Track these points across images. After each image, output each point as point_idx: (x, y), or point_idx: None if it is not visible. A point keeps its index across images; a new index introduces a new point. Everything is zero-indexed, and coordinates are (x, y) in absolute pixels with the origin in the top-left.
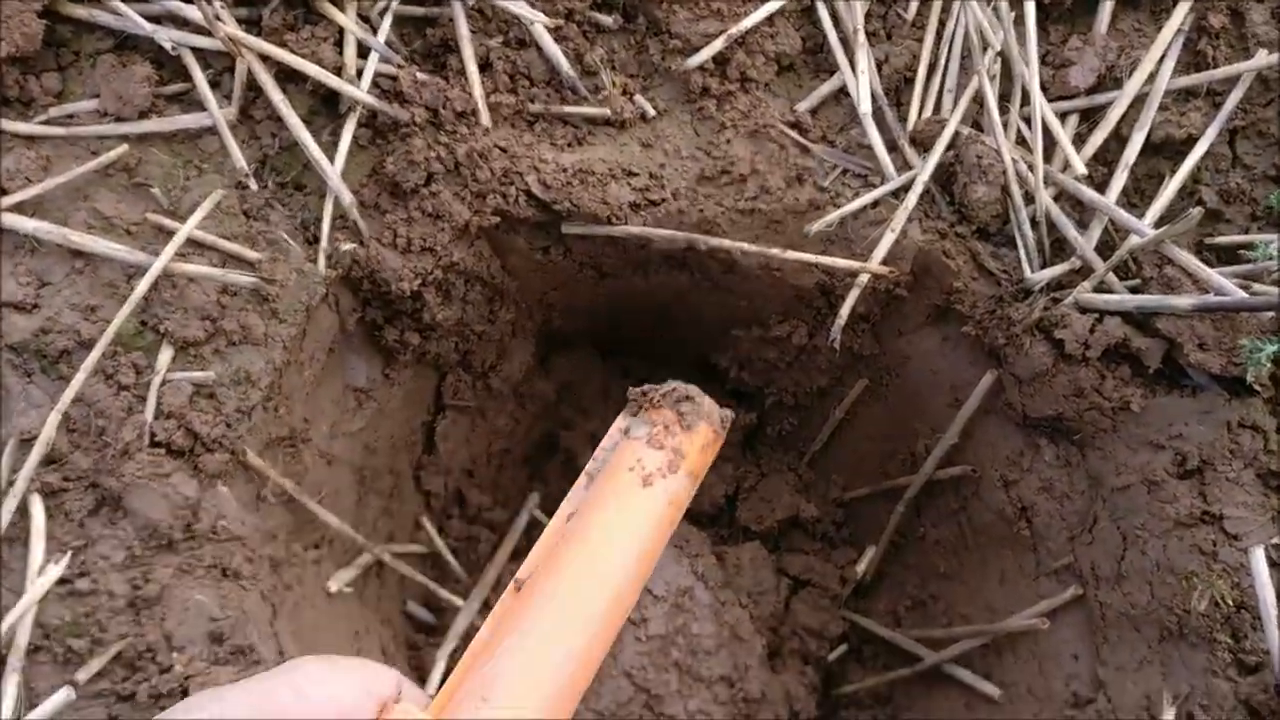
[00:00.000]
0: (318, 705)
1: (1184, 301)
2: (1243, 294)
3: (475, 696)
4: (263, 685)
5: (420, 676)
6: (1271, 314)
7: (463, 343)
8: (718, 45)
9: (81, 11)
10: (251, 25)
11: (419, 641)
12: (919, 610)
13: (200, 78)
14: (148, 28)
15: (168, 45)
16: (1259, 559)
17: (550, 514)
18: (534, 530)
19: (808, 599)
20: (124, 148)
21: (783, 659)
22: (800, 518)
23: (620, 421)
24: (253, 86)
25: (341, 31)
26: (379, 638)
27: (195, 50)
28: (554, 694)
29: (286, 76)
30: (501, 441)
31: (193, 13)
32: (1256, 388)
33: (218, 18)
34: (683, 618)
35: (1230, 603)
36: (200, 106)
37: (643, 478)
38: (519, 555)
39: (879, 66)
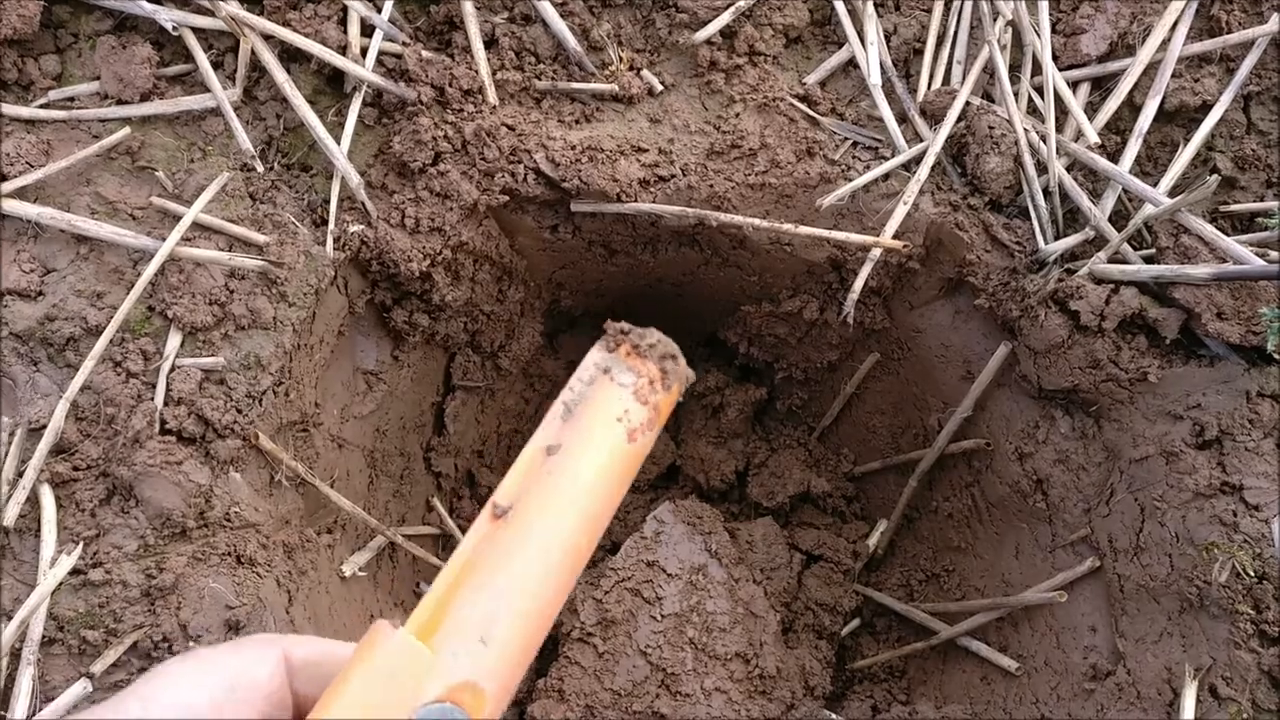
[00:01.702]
0: (165, 707)
1: (1201, 271)
2: (1261, 262)
3: (474, 637)
4: (114, 701)
5: None
6: None
7: (471, 323)
8: (725, 18)
9: None
10: (254, 4)
11: None
12: (933, 583)
13: (202, 58)
14: (148, 8)
15: (169, 25)
16: None
17: None
18: None
19: (820, 574)
20: (126, 130)
21: (797, 634)
22: (811, 493)
23: (597, 356)
24: (256, 67)
25: (345, 9)
26: (392, 621)
27: (196, 30)
28: (540, 638)
29: (290, 56)
30: (511, 421)
31: None
32: (1277, 356)
33: None
34: (697, 596)
35: (1252, 573)
36: (203, 87)
37: (629, 431)
38: None
39: (888, 38)
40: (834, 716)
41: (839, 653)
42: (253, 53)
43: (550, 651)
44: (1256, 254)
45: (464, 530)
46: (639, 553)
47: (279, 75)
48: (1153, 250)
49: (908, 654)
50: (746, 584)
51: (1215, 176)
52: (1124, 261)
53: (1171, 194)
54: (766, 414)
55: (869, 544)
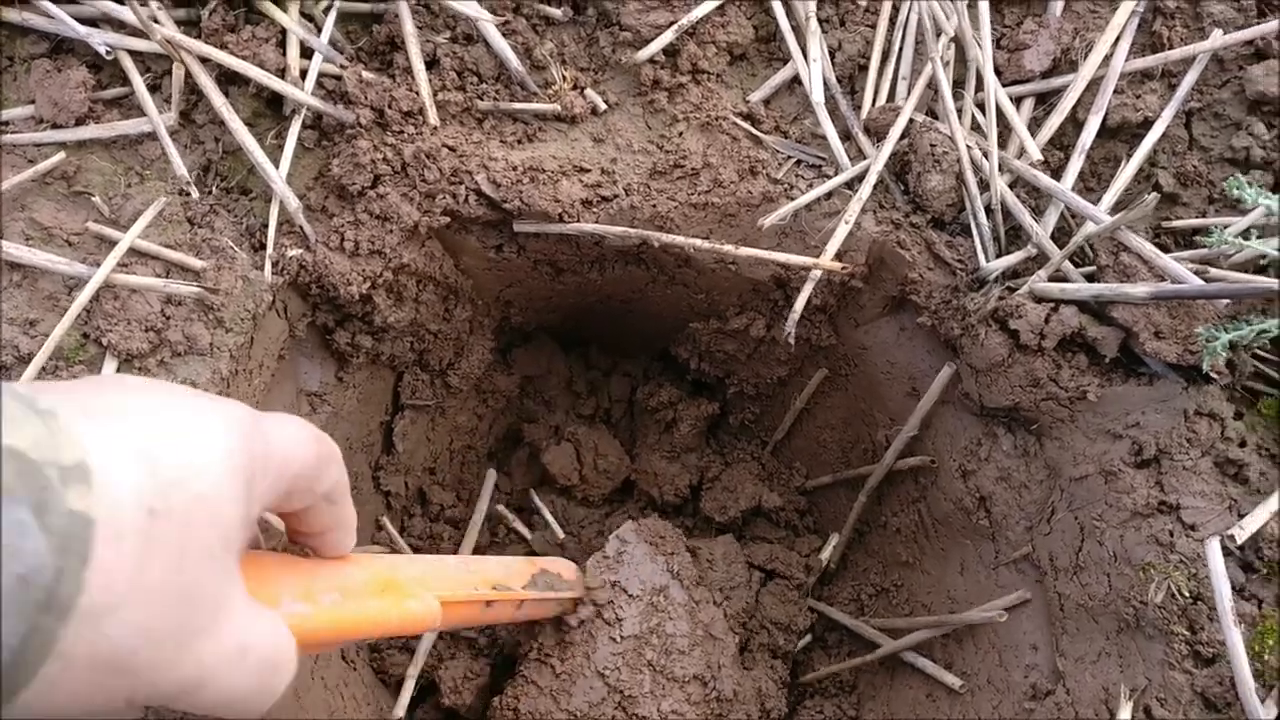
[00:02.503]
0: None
1: (1139, 290)
2: (1199, 281)
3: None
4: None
5: (383, 680)
6: (1227, 301)
7: (418, 342)
8: (668, 36)
9: (13, 14)
10: (190, 26)
11: (380, 645)
12: (882, 598)
13: (139, 82)
14: (81, 30)
15: (102, 49)
16: (1214, 551)
17: (508, 501)
18: (495, 524)
19: (775, 591)
20: (61, 155)
21: (753, 654)
22: (763, 507)
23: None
24: (194, 90)
25: (284, 31)
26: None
27: (133, 53)
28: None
29: (228, 79)
30: (464, 438)
31: (129, 14)
32: (1213, 375)
33: (154, 19)
34: (657, 617)
35: (1187, 594)
36: (140, 111)
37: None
38: (481, 550)
39: (832, 54)
40: None
41: (792, 669)
42: (190, 76)
43: (508, 671)
44: (1196, 272)
45: (415, 548)
46: (601, 572)
47: (216, 99)
48: (1094, 268)
49: (857, 668)
50: (707, 605)
51: (1155, 195)
52: (1065, 280)
53: (1113, 211)
54: (720, 428)
55: (821, 558)
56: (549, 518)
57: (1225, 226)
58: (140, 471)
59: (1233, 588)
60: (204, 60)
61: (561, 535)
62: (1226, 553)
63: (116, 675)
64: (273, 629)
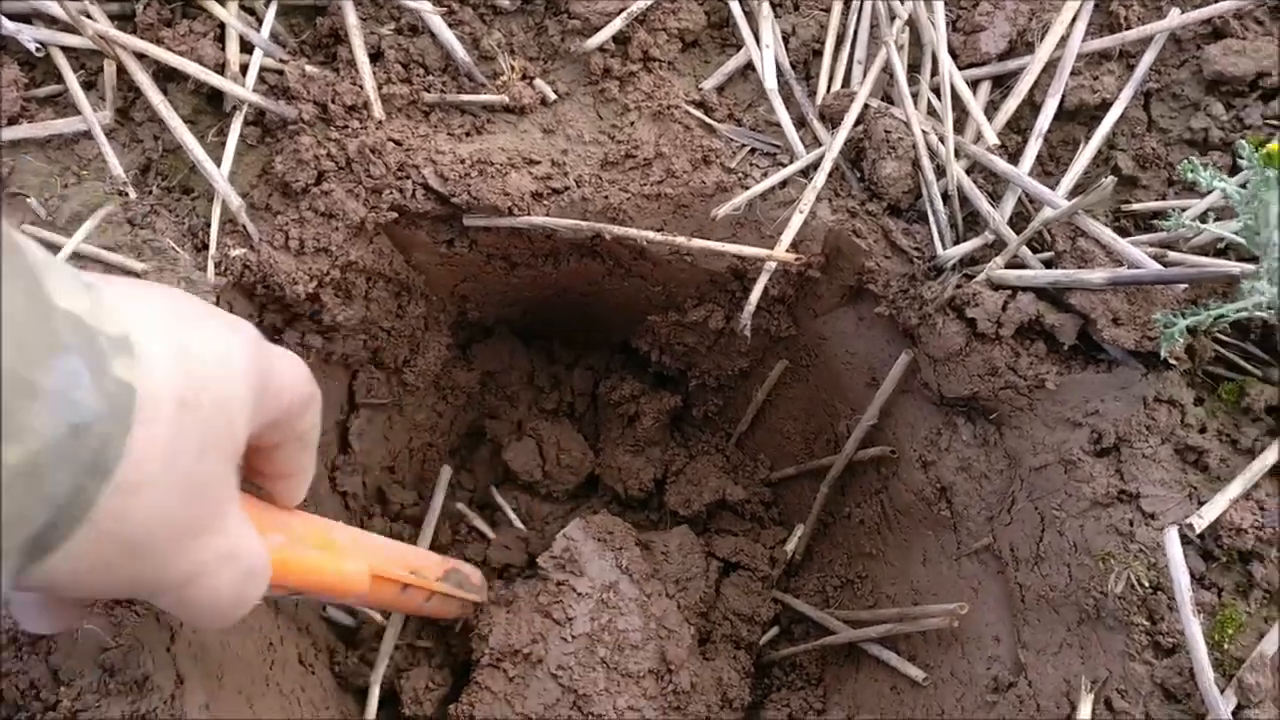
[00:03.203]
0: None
1: (1097, 276)
2: (1157, 266)
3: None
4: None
5: (340, 685)
6: (1185, 286)
7: (371, 340)
8: (618, 24)
9: None
10: (125, 21)
11: (339, 648)
12: (847, 589)
13: (72, 79)
14: (10, 27)
15: (32, 46)
16: (1173, 539)
17: (471, 498)
18: (456, 521)
19: (738, 582)
20: None
21: (715, 644)
22: (728, 500)
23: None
24: (132, 87)
25: (223, 26)
26: (296, 647)
27: (66, 50)
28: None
29: (166, 75)
30: (424, 436)
31: (60, 10)
32: (1172, 361)
33: (86, 14)
34: (608, 614)
35: (1147, 584)
36: (75, 110)
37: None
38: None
39: (786, 39)
40: None
41: (757, 661)
42: (126, 73)
43: (462, 677)
44: (1155, 256)
45: None
46: (549, 572)
47: (154, 96)
48: (1051, 254)
49: (822, 660)
50: (659, 599)
51: (1111, 179)
52: (1023, 266)
53: (1071, 195)
54: (683, 421)
55: (786, 549)
56: (511, 514)
57: (1183, 210)
58: (175, 363)
59: (1192, 577)
60: (140, 56)
61: (525, 531)
62: (1186, 541)
63: (131, 557)
64: (257, 543)
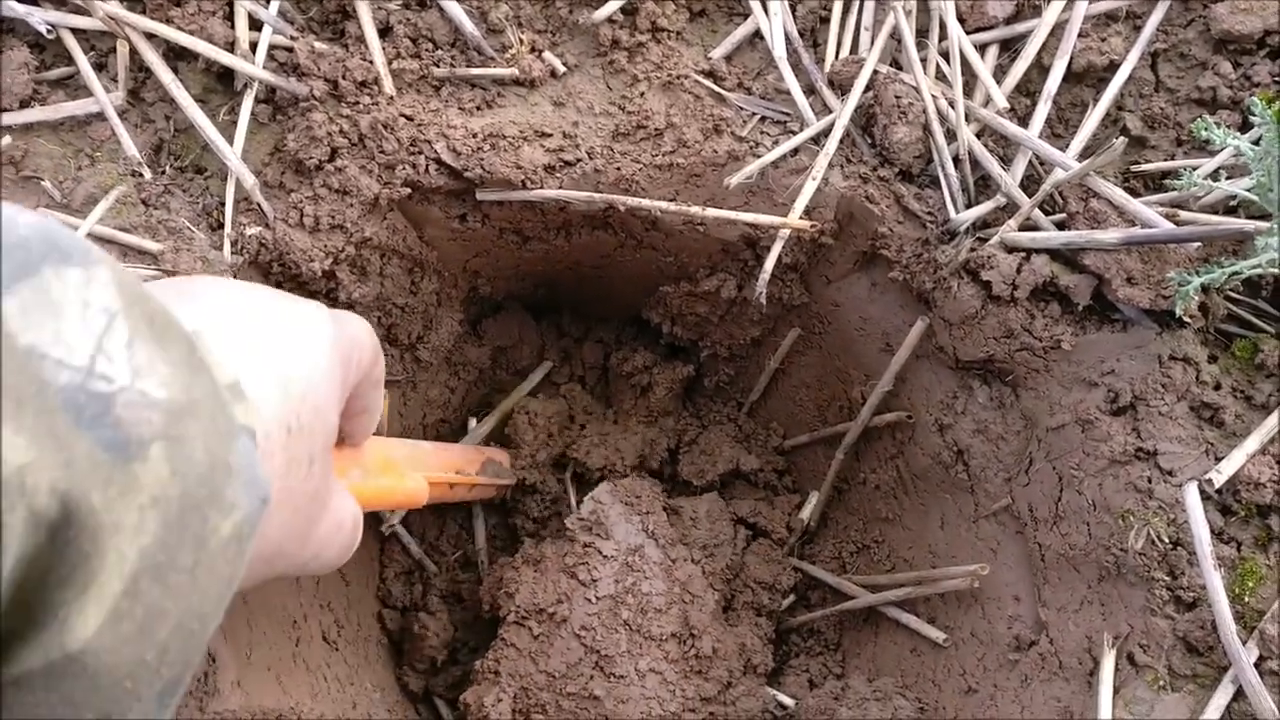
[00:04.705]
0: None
1: (1110, 236)
2: (1170, 225)
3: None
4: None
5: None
6: (1198, 245)
7: (385, 317)
8: None
9: None
10: (134, 1)
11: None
12: (863, 555)
13: (83, 61)
14: (20, 9)
15: (42, 28)
16: (1192, 494)
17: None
18: None
19: (759, 551)
20: (7, 139)
21: (737, 611)
22: (741, 469)
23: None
24: (142, 67)
25: (232, 3)
26: (319, 624)
27: (76, 31)
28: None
29: (177, 54)
30: (437, 412)
31: None
32: (1186, 319)
33: None
34: (633, 577)
35: (1166, 540)
36: (86, 91)
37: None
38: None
39: (793, 7)
40: (772, 692)
41: (776, 629)
42: (137, 53)
43: (489, 634)
44: (1167, 216)
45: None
46: (575, 533)
47: (165, 76)
48: (1063, 215)
49: (840, 625)
50: (684, 564)
51: (1122, 139)
52: (1035, 228)
53: (1081, 157)
54: (696, 392)
55: (802, 517)
56: None
57: (1194, 168)
58: (278, 391)
59: (1212, 531)
60: (150, 36)
61: None
62: (1205, 497)
63: (265, 564)
64: (351, 501)
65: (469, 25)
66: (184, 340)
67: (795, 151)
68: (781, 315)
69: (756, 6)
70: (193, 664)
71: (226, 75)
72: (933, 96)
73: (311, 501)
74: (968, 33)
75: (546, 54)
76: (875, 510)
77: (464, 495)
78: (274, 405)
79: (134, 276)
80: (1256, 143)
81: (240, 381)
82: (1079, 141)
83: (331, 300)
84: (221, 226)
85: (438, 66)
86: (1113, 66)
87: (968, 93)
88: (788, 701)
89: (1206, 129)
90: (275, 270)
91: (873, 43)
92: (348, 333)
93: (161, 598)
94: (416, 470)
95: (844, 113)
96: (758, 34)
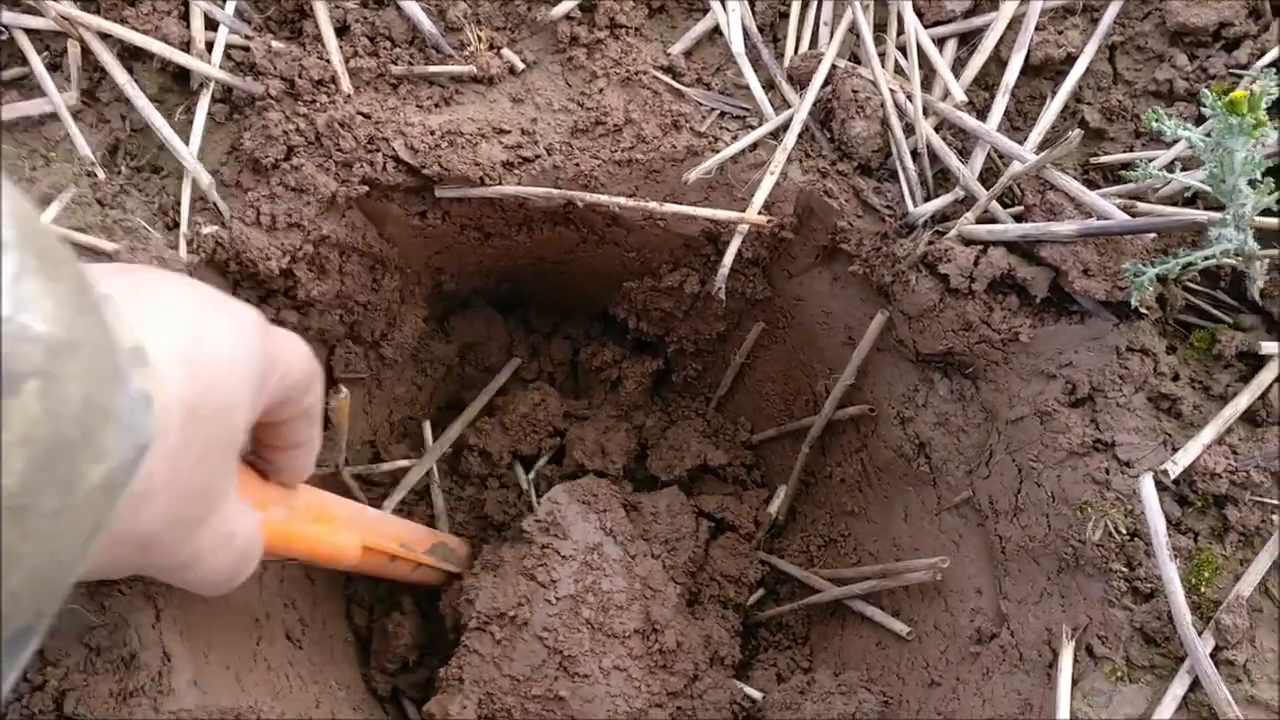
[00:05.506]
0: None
1: (1066, 228)
2: (1125, 217)
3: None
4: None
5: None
6: (1154, 235)
7: (347, 315)
8: None
9: None
10: (88, 1)
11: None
12: (831, 548)
13: (36, 61)
14: None
15: None
16: (1148, 485)
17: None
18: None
19: (726, 545)
20: None
21: (703, 605)
22: (709, 464)
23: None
24: (97, 67)
25: (187, 2)
26: (282, 623)
27: (29, 31)
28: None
29: (131, 54)
30: (404, 409)
31: None
32: (1143, 310)
33: None
34: (592, 575)
35: (1124, 531)
36: (40, 91)
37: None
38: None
39: (752, 3)
40: (740, 685)
41: (744, 623)
42: (90, 53)
43: (451, 642)
44: (1124, 207)
45: None
46: (533, 535)
47: (120, 76)
48: (1021, 208)
49: (808, 620)
50: (644, 559)
51: (1078, 131)
52: (993, 221)
53: (1039, 149)
54: (664, 387)
55: (770, 511)
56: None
57: (1150, 160)
58: (183, 370)
59: (1169, 522)
60: (104, 36)
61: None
62: (1161, 488)
63: (139, 553)
64: (251, 522)
65: (427, 23)
66: (76, 279)
67: (754, 146)
68: (746, 310)
69: (715, 3)
70: (46, 614)
71: (183, 75)
72: (891, 91)
73: (198, 498)
74: (926, 27)
75: (505, 51)
76: (841, 504)
77: (405, 573)
78: (176, 382)
79: (33, 209)
80: (1208, 135)
81: (145, 347)
82: (1037, 134)
83: (291, 299)
84: (177, 226)
85: (395, 64)
86: (1070, 59)
87: (926, 86)
88: (755, 695)
89: (1158, 120)
90: (232, 269)
91: (831, 37)
92: (279, 347)
93: (19, 540)
94: (354, 533)
95: (802, 107)
96: (717, 30)
